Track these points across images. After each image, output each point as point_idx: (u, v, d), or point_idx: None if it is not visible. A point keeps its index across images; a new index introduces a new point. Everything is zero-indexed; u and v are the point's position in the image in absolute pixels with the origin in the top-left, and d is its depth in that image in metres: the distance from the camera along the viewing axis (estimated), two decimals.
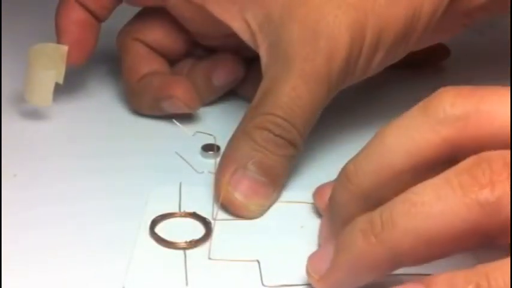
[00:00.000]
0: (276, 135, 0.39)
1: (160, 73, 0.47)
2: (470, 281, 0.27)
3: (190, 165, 0.38)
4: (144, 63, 0.47)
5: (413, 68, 0.56)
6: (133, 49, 0.47)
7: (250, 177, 0.38)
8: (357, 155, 0.33)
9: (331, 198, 0.35)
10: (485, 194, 0.28)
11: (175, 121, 0.43)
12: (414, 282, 0.29)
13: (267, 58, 0.41)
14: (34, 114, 0.47)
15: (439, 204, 0.29)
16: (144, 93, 0.46)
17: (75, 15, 0.47)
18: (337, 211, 0.34)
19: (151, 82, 0.46)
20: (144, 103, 0.47)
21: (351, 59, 0.40)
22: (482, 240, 0.29)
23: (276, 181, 0.39)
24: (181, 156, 0.38)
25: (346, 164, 0.34)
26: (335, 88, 0.41)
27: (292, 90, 0.39)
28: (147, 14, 0.48)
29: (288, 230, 0.38)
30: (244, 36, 0.42)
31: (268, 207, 0.39)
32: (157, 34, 0.47)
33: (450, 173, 0.29)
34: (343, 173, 0.34)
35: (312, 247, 0.36)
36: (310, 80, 0.39)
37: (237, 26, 0.42)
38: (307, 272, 0.33)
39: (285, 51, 0.40)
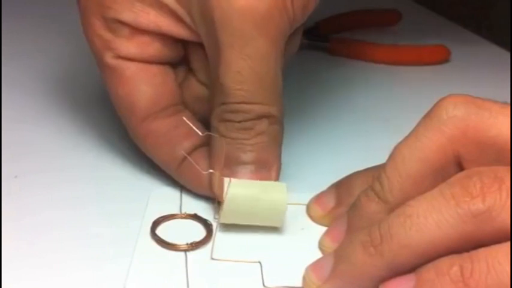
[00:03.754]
0: (239, 122, 0.36)
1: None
2: (454, 264, 0.29)
3: (195, 164, 0.37)
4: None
5: (414, 68, 0.56)
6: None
7: (240, 173, 0.37)
8: (380, 170, 0.34)
9: (356, 209, 0.35)
10: (477, 204, 0.29)
11: (185, 119, 0.42)
12: (408, 274, 0.30)
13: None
14: (35, 115, 0.47)
15: (433, 215, 0.30)
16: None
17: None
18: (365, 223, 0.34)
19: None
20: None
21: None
22: (475, 248, 0.29)
23: (267, 160, 0.37)
24: (187, 156, 0.38)
25: (374, 180, 0.34)
26: (283, 34, 0.37)
27: (228, 69, 0.36)
28: None
29: (289, 232, 0.38)
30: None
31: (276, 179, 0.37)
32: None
33: (443, 186, 0.31)
34: (371, 188, 0.34)
35: (313, 249, 0.36)
36: (239, 47, 0.35)
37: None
38: (305, 281, 0.34)
39: (212, 35, 0.36)
